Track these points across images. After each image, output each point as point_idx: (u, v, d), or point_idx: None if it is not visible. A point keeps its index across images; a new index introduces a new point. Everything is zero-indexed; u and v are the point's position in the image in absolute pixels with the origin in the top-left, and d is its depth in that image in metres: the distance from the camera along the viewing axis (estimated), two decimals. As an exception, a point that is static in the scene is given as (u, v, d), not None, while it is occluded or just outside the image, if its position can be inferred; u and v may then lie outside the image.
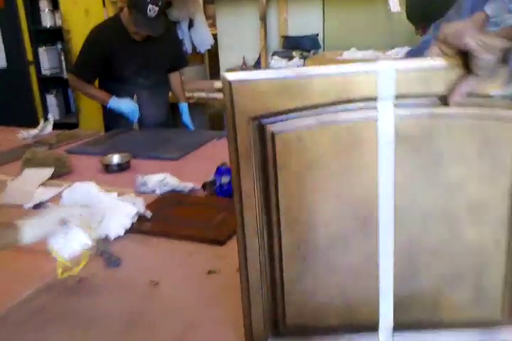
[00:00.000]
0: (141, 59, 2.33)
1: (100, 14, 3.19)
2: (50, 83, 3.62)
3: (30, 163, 1.51)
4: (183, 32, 3.37)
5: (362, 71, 0.56)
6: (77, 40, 3.26)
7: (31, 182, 1.40)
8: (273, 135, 0.59)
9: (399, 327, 0.66)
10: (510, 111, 0.57)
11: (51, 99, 3.62)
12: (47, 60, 3.53)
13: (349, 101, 0.57)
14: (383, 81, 0.57)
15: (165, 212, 1.18)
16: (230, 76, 0.57)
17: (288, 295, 0.65)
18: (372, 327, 0.66)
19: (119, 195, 1.18)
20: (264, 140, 0.59)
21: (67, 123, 3.34)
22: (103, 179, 1.57)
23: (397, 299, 0.64)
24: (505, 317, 0.66)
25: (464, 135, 0.58)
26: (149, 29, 2.16)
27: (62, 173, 1.54)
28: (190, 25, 3.53)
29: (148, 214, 1.13)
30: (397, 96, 0.57)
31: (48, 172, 1.44)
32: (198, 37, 3.49)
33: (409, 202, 0.61)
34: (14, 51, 3.47)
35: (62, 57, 3.59)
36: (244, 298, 0.65)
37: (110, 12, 3.17)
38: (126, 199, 1.15)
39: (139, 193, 1.32)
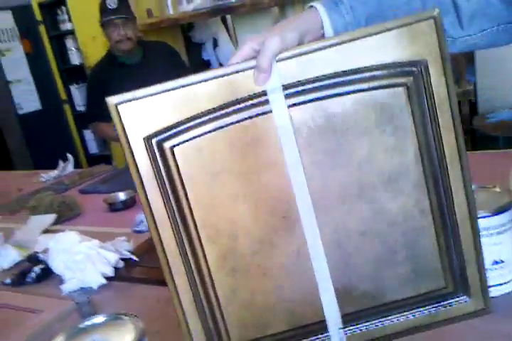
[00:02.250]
0: (137, 84, 2.32)
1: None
2: (84, 119, 3.70)
3: (36, 210, 1.54)
4: (207, 53, 3.37)
5: (243, 68, 0.60)
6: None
7: (35, 230, 1.39)
8: (172, 150, 0.62)
9: (347, 320, 0.69)
10: (393, 78, 0.62)
11: (88, 134, 3.73)
12: (79, 97, 3.62)
13: (239, 100, 0.61)
14: None
15: (154, 254, 1.13)
16: (115, 99, 0.60)
17: (227, 311, 0.67)
18: (320, 326, 0.68)
19: (104, 240, 1.19)
20: (165, 157, 0.62)
21: (105, 155, 3.44)
22: (107, 219, 1.54)
23: (337, 291, 0.67)
24: (448, 283, 0.69)
25: (359, 110, 0.62)
26: (111, 14, 2.22)
27: (69, 217, 1.61)
28: (215, 44, 3.52)
29: (135, 259, 1.08)
30: (285, 86, 0.61)
31: (50, 218, 1.48)
32: (223, 55, 3.48)
33: (324, 188, 0.64)
34: (48, 92, 3.61)
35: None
36: (182, 324, 0.66)
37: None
38: (109, 246, 1.10)
39: (136, 232, 1.32)
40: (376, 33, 0.60)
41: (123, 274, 1.12)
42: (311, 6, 0.68)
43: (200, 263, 0.65)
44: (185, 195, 0.62)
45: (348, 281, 0.67)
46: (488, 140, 2.65)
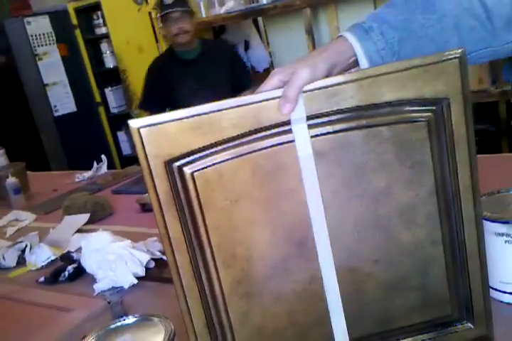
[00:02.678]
0: (194, 79, 2.40)
1: (154, 50, 3.28)
2: (118, 121, 3.78)
3: (70, 210, 1.56)
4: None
5: (270, 97, 0.61)
6: (134, 78, 3.38)
7: (68, 230, 1.41)
8: (192, 175, 0.62)
9: None
10: (415, 114, 0.63)
11: (122, 136, 3.80)
12: (113, 100, 3.69)
13: (263, 129, 0.61)
14: None
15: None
16: (136, 123, 0.59)
17: (238, 336, 0.67)
18: None
19: (136, 240, 1.20)
20: (184, 181, 0.62)
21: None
22: (139, 219, 1.55)
23: (348, 315, 0.68)
24: (454, 310, 0.71)
25: (380, 143, 0.64)
26: (170, 10, 2.26)
27: (103, 216, 1.63)
28: (247, 47, 3.53)
29: (166, 259, 1.08)
30: (310, 117, 0.62)
31: (84, 218, 1.50)
32: (255, 57, 3.48)
33: (340, 216, 0.65)
34: (83, 94, 3.69)
35: (127, 96, 3.80)
36: None
37: (164, 46, 3.24)
38: (140, 246, 1.10)
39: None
40: (401, 70, 0.61)
41: (154, 274, 1.13)
42: (341, 36, 0.68)
43: (214, 288, 0.65)
44: (203, 219, 0.62)
45: (358, 307, 0.68)
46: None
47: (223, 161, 0.61)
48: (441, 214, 0.66)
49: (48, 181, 2.33)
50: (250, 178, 0.62)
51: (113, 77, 3.89)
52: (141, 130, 0.59)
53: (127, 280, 1.10)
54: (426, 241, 0.67)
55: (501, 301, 0.77)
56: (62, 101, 3.91)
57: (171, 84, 2.50)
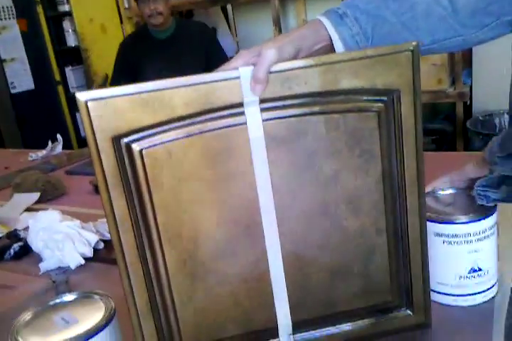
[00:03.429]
0: (164, 60, 2.37)
1: (118, 31, 3.21)
2: (77, 101, 3.68)
3: (20, 188, 1.52)
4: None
5: (224, 78, 0.60)
6: (96, 58, 3.30)
7: (17, 208, 1.37)
8: (141, 153, 0.60)
9: (298, 328, 0.71)
10: (366, 103, 0.64)
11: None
12: (73, 79, 3.60)
13: (215, 109, 0.61)
14: (246, 86, 0.60)
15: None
16: (84, 95, 0.57)
17: (182, 316, 0.67)
18: (273, 332, 0.70)
19: (86, 221, 1.16)
20: (132, 159, 0.60)
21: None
22: (91, 200, 1.52)
23: (291, 299, 0.69)
24: (394, 297, 0.73)
25: (331, 130, 0.64)
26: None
27: (54, 196, 1.59)
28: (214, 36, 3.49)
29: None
30: (262, 100, 0.62)
31: (34, 197, 1.44)
32: (222, 44, 3.46)
33: (288, 201, 0.66)
34: (41, 72, 3.57)
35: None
36: (135, 326, 0.65)
37: (128, 28, 3.17)
38: (90, 227, 1.08)
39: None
40: (355, 59, 0.61)
41: (102, 255, 1.12)
42: (315, 19, 0.68)
43: (159, 267, 0.64)
44: (150, 198, 0.62)
45: (302, 291, 0.69)
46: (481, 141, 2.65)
47: (173, 140, 0.60)
48: (386, 203, 0.68)
49: (0, 158, 2.26)
50: (200, 158, 0.62)
51: (74, 56, 3.78)
52: (89, 103, 0.57)
53: (74, 260, 1.07)
54: (371, 229, 0.68)
55: (438, 302, 0.77)
56: (20, 78, 3.77)
57: (140, 63, 2.46)
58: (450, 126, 2.99)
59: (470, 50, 2.75)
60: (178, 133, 0.60)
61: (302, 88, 0.61)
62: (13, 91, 3.78)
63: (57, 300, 0.66)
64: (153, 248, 0.64)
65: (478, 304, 0.76)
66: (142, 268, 0.63)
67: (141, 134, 0.60)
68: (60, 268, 1.08)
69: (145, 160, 0.60)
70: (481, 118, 2.81)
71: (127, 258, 0.63)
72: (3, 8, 3.67)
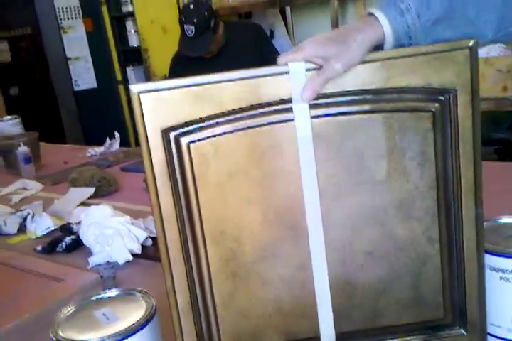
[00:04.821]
0: (217, 68, 2.35)
1: (178, 32, 3.24)
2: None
3: (76, 182, 1.59)
4: (263, 43, 3.35)
5: (273, 73, 0.59)
6: (155, 58, 3.36)
7: (72, 202, 1.41)
8: (188, 146, 0.61)
9: (341, 339, 0.68)
10: (420, 103, 0.62)
11: (140, 116, 3.78)
12: (134, 79, 3.69)
13: (263, 104, 0.60)
14: (295, 82, 0.59)
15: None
16: (137, 87, 0.58)
17: (222, 316, 0.66)
18: (314, 340, 0.67)
19: (137, 218, 1.18)
20: (180, 152, 0.61)
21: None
22: (143, 197, 1.52)
23: (335, 308, 0.66)
24: (447, 314, 0.68)
25: (381, 130, 0.62)
26: (189, 49, 2.15)
27: (108, 192, 1.64)
28: (272, 36, 3.49)
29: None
30: None
31: (89, 191, 1.49)
32: (279, 47, 3.45)
33: (335, 203, 0.64)
34: (104, 71, 3.68)
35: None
36: (175, 323, 0.65)
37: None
38: (140, 223, 1.10)
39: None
40: (410, 55, 0.59)
41: (150, 253, 1.13)
42: (372, 14, 0.63)
43: (202, 264, 0.64)
44: (196, 193, 0.61)
45: (347, 300, 0.66)
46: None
47: (220, 134, 0.60)
48: (440, 211, 0.64)
49: (60, 154, 2.34)
50: (246, 155, 0.61)
51: (136, 56, 3.88)
52: (141, 95, 0.58)
53: (122, 256, 1.09)
54: (422, 237, 0.65)
55: None
56: (84, 76, 3.92)
57: (193, 74, 2.45)
58: (513, 135, 2.86)
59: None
60: (226, 128, 0.60)
61: (353, 85, 0.60)
62: (76, 88, 3.92)
63: (100, 296, 0.66)
64: (197, 244, 0.63)
65: None
66: (185, 265, 0.63)
67: (189, 128, 0.60)
68: (108, 263, 1.10)
69: (192, 154, 0.60)
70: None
71: (171, 254, 0.62)
72: (69, 8, 3.81)
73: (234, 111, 0.59)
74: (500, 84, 2.54)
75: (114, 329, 0.59)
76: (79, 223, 1.24)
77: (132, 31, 3.87)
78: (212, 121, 0.60)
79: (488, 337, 0.68)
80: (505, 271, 0.65)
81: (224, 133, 0.60)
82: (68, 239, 1.20)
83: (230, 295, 0.65)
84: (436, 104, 0.61)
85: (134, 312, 0.61)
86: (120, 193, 1.65)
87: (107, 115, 3.88)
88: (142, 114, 0.58)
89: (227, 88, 0.59)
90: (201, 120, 0.60)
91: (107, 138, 2.28)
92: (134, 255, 1.10)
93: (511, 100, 2.58)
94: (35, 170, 1.99)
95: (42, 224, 1.32)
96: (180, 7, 3.44)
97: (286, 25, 3.52)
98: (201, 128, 0.60)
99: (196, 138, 0.60)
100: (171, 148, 0.60)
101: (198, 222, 0.62)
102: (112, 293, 0.67)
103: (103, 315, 0.62)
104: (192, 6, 2.38)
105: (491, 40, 0.64)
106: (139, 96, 0.58)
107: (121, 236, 1.10)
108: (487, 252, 0.66)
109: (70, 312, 0.64)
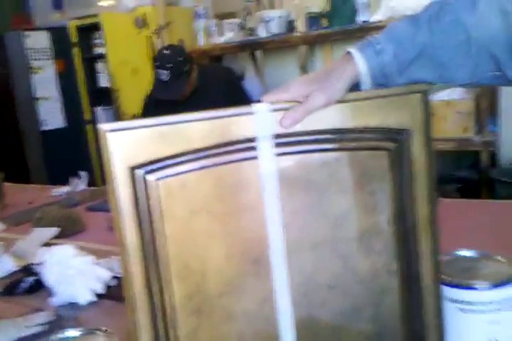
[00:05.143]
0: (187, 110, 2.35)
1: (149, 73, 3.30)
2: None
3: (41, 222, 1.53)
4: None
5: (239, 113, 0.62)
6: (125, 98, 3.39)
7: (35, 242, 1.38)
8: (156, 183, 0.62)
9: None
10: (378, 142, 0.65)
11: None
12: (105, 118, 3.72)
13: (229, 143, 0.62)
14: (260, 122, 0.62)
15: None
16: (106, 126, 0.60)
17: None
18: None
19: (100, 257, 1.11)
20: (147, 189, 0.62)
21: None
22: (108, 237, 1.50)
23: None
24: None
25: (343, 167, 0.65)
26: (162, 93, 2.17)
27: (73, 232, 1.60)
28: (242, 78, 3.57)
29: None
30: (275, 136, 0.63)
31: (53, 232, 1.45)
32: (249, 89, 3.52)
33: (298, 239, 0.65)
34: (73, 111, 3.69)
35: (117, 116, 3.81)
36: None
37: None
38: (104, 263, 1.08)
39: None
40: (370, 98, 0.63)
41: (115, 293, 1.10)
42: (349, 53, 0.66)
43: (165, 300, 0.64)
44: (162, 228, 0.62)
45: (311, 334, 0.67)
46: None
47: (187, 172, 0.62)
48: (398, 245, 0.67)
49: (24, 194, 2.30)
50: (212, 191, 0.63)
51: (106, 96, 3.91)
52: (109, 134, 0.59)
53: (85, 297, 1.07)
54: (382, 270, 0.67)
55: None
56: (52, 115, 3.92)
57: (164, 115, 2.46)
58: (475, 174, 2.95)
59: (494, 98, 2.74)
60: (193, 165, 0.62)
61: (316, 125, 0.63)
62: (44, 128, 3.90)
63: (60, 336, 0.65)
64: (161, 279, 0.63)
65: None
66: (149, 301, 0.63)
67: (157, 165, 0.61)
68: (71, 303, 1.08)
69: (160, 190, 0.62)
70: (507, 166, 2.77)
71: (135, 289, 0.62)
72: (41, 49, 3.85)
73: (201, 149, 0.62)
74: (461, 126, 2.65)
75: None
76: (41, 263, 1.22)
77: (103, 72, 3.92)
78: (179, 159, 0.62)
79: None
80: (463, 303, 0.67)
81: (191, 170, 0.62)
82: (29, 280, 1.17)
83: (194, 331, 0.65)
84: (393, 143, 0.65)
85: None
86: (85, 233, 1.62)
87: (73, 154, 3.87)
88: (110, 152, 0.60)
89: (195, 127, 0.61)
90: (169, 157, 0.61)
91: (73, 178, 2.26)
92: (98, 295, 1.09)
93: (471, 140, 2.69)
94: (-1, 210, 1.96)
95: (3, 266, 1.28)
96: (153, 49, 3.51)
97: (256, 68, 3.62)
98: (169, 166, 0.62)
99: (163, 175, 0.62)
100: (137, 185, 0.61)
101: (164, 256, 0.63)
102: (73, 332, 0.66)
103: None
104: (167, 52, 2.42)
105: (469, 83, 0.68)
106: (106, 135, 0.59)
107: (85, 276, 1.08)
108: (445, 284, 0.69)
109: None
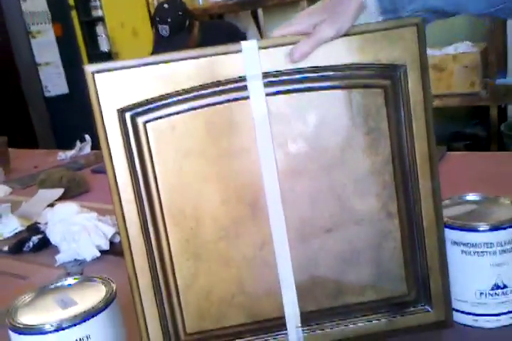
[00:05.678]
0: None
1: (149, 35, 3.24)
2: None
3: (45, 184, 1.52)
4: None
5: (227, 51, 0.60)
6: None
7: (41, 203, 1.38)
8: (145, 126, 0.61)
9: (306, 321, 0.68)
10: (372, 79, 0.63)
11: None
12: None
13: (218, 83, 0.61)
14: (249, 60, 0.60)
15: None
16: (91, 67, 0.59)
17: (185, 299, 0.66)
18: (279, 322, 0.67)
19: (102, 214, 1.14)
20: (137, 132, 0.61)
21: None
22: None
23: (299, 287, 0.67)
24: (411, 290, 0.69)
25: (336, 106, 0.63)
26: (164, 49, 2.13)
27: (77, 193, 1.61)
28: (244, 39, 3.48)
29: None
30: (266, 74, 0.61)
31: (58, 192, 1.45)
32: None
33: (293, 181, 0.64)
34: (75, 76, 3.65)
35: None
36: (137, 306, 0.64)
37: (159, 31, 3.20)
38: (107, 220, 1.09)
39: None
40: (359, 33, 0.61)
41: (119, 249, 1.11)
42: None
43: (162, 245, 0.64)
44: (154, 172, 0.62)
45: (310, 278, 0.67)
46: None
47: (177, 113, 0.61)
48: (397, 185, 0.65)
49: (30, 158, 2.32)
50: (203, 133, 0.62)
51: (106, 59, 3.86)
52: (96, 75, 0.58)
53: (90, 253, 1.08)
54: (381, 212, 0.66)
55: (457, 322, 0.68)
56: (54, 81, 3.88)
57: None
58: (484, 130, 2.91)
59: (505, 51, 2.67)
60: (182, 107, 0.61)
61: (305, 63, 0.61)
62: (47, 94, 3.88)
63: (58, 284, 0.65)
64: (157, 225, 0.63)
65: (504, 326, 0.67)
66: (145, 246, 0.63)
67: (145, 107, 0.60)
68: (76, 260, 1.09)
69: (149, 133, 0.61)
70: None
71: (130, 235, 0.62)
72: (38, 13, 3.78)
73: (189, 90, 0.60)
74: (468, 80, 2.59)
75: (72, 313, 0.58)
76: (47, 223, 1.23)
77: (103, 35, 3.87)
78: (168, 101, 0.60)
79: (454, 313, 0.68)
80: (466, 245, 0.66)
81: (180, 111, 0.61)
82: (35, 239, 1.18)
83: (193, 277, 0.65)
84: (387, 80, 0.63)
85: (93, 298, 0.61)
86: (90, 194, 1.63)
87: (78, 119, 3.86)
88: (97, 95, 0.59)
89: (182, 67, 0.59)
90: (157, 99, 0.60)
91: (78, 141, 2.26)
92: (102, 251, 1.09)
93: (479, 95, 2.63)
94: (4, 174, 1.97)
95: (9, 226, 1.30)
96: (151, 10, 3.44)
97: (258, 26, 3.54)
98: (157, 108, 0.61)
99: (152, 118, 0.61)
100: (127, 128, 0.60)
101: (157, 202, 0.63)
102: (71, 280, 0.66)
103: (61, 301, 0.61)
104: (166, 6, 2.39)
105: (485, 13, 0.64)
106: (93, 76, 0.58)
107: (88, 232, 1.09)
108: (448, 226, 0.67)
109: (28, 299, 0.63)
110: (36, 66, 3.81)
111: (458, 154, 1.59)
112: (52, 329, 0.56)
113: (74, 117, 3.86)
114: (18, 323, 0.57)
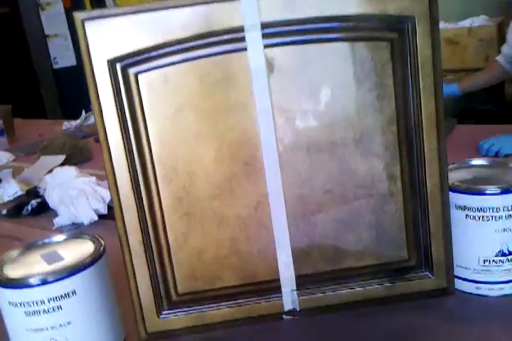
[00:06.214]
0: None
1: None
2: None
3: (47, 150, 1.51)
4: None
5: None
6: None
7: (42, 169, 1.39)
8: (136, 77, 0.58)
9: (302, 284, 0.66)
10: (378, 32, 0.59)
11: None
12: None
13: (214, 33, 0.57)
14: (247, 8, 0.57)
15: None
16: (82, 14, 0.56)
17: (176, 258, 0.64)
18: (274, 285, 0.65)
19: (102, 179, 1.10)
20: (128, 83, 0.58)
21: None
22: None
23: (295, 249, 0.64)
24: (411, 255, 0.66)
25: (338, 60, 0.60)
26: None
27: (79, 160, 1.62)
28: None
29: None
30: (265, 25, 0.57)
31: (59, 159, 1.43)
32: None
33: (292, 138, 0.61)
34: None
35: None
36: (127, 264, 0.63)
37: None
38: (105, 184, 1.06)
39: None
40: None
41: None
42: None
43: (154, 203, 0.62)
44: (145, 127, 0.59)
45: (307, 240, 0.65)
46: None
47: (170, 65, 0.58)
48: (401, 146, 0.62)
49: (35, 128, 2.33)
50: (197, 86, 0.59)
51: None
52: (86, 23, 0.55)
53: (87, 217, 1.07)
54: (383, 174, 0.63)
55: (459, 289, 0.67)
56: (63, 53, 3.84)
57: None
58: (496, 107, 2.84)
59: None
60: (175, 58, 0.58)
61: (306, 13, 0.57)
62: (55, 66, 3.84)
63: (46, 240, 0.64)
64: (148, 182, 0.61)
65: (507, 295, 0.65)
66: (136, 203, 0.61)
67: (137, 58, 0.57)
68: (73, 223, 1.08)
69: (140, 85, 0.58)
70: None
71: (120, 191, 0.60)
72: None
73: (183, 40, 0.57)
74: (482, 54, 2.52)
75: (58, 267, 0.57)
76: (46, 188, 1.21)
77: (112, 6, 3.80)
78: (161, 51, 0.57)
79: (456, 280, 0.66)
80: (471, 209, 0.63)
81: (174, 63, 0.58)
82: (34, 202, 1.18)
83: (184, 235, 0.63)
84: (394, 33, 0.59)
85: (81, 254, 0.59)
86: (92, 162, 1.62)
87: (86, 92, 3.82)
88: (87, 44, 0.56)
89: (176, 14, 0.56)
90: (149, 50, 0.57)
91: (83, 111, 2.25)
92: (100, 216, 1.08)
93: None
94: (9, 142, 1.97)
95: (9, 190, 1.30)
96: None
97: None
98: (150, 59, 0.58)
99: (144, 69, 0.58)
100: (118, 80, 0.58)
101: (149, 157, 0.60)
102: (59, 237, 0.64)
103: (48, 256, 0.60)
104: None
105: None
106: (83, 23, 0.56)
107: (87, 196, 1.08)
108: (452, 190, 0.65)
109: (14, 255, 0.61)
110: (45, 38, 3.76)
111: (468, 126, 1.55)
112: (38, 283, 0.55)
113: (81, 90, 3.83)
114: (3, 277, 0.56)
